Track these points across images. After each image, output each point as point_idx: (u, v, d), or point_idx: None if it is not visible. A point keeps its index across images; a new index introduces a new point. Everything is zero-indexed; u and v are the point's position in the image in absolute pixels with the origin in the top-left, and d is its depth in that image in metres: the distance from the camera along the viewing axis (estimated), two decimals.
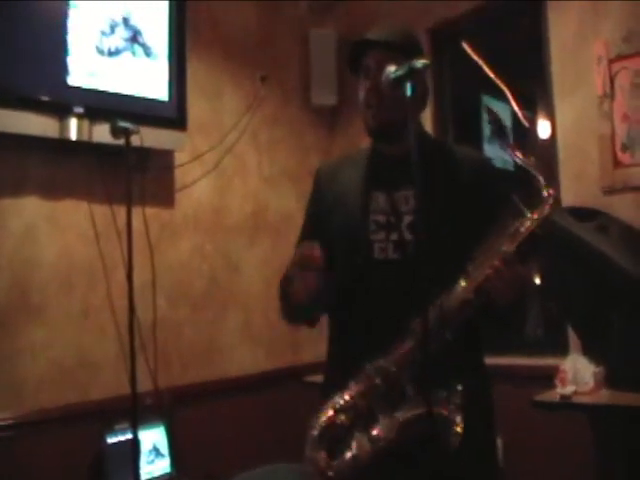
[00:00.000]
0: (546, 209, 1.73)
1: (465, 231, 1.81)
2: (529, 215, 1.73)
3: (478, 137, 4.47)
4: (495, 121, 1.83)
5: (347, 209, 1.94)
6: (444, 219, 1.82)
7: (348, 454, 1.68)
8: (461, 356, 1.77)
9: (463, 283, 1.71)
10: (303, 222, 2.14)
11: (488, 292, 1.69)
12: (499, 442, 3.45)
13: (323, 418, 1.73)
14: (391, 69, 1.69)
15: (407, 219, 1.87)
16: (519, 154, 1.80)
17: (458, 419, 1.64)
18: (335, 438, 1.72)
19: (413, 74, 1.63)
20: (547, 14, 3.59)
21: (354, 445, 1.68)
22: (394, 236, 1.87)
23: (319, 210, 2.05)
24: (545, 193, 1.73)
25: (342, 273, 1.90)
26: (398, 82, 1.67)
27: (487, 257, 1.70)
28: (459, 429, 1.64)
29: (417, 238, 1.81)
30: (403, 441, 1.65)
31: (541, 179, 1.75)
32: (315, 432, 1.73)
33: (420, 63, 1.63)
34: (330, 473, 1.69)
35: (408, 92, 1.62)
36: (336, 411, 1.72)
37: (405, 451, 1.66)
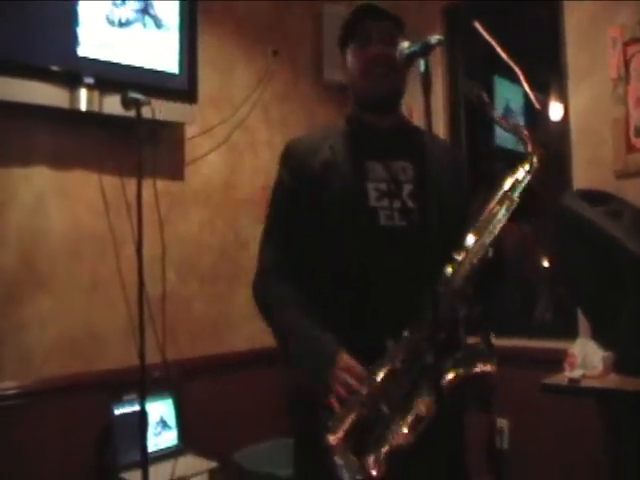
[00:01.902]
0: (535, 164, 1.79)
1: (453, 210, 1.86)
2: (521, 169, 1.80)
3: (490, 117, 4.44)
4: (476, 95, 1.84)
5: (342, 177, 1.89)
6: (439, 190, 1.82)
7: (385, 447, 1.64)
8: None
9: (472, 238, 1.76)
10: (274, 206, 2.04)
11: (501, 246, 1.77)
12: (505, 424, 3.49)
13: (346, 420, 1.68)
14: (405, 45, 1.68)
15: (407, 188, 1.89)
16: (502, 120, 1.86)
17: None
18: (360, 434, 1.67)
19: (427, 50, 1.62)
20: None
21: (390, 435, 1.64)
22: (397, 204, 1.87)
23: (300, 184, 1.95)
24: (530, 149, 1.80)
25: (345, 241, 1.86)
26: (411, 58, 1.66)
27: (492, 213, 1.78)
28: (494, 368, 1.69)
29: (422, 205, 1.84)
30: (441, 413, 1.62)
31: (527, 140, 1.81)
32: (337, 437, 1.67)
33: (434, 39, 1.62)
34: (375, 473, 1.63)
35: (422, 68, 1.61)
36: (360, 407, 1.68)
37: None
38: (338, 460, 1.65)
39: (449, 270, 1.72)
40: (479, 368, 1.69)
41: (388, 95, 1.95)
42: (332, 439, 1.66)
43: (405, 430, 1.63)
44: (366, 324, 1.80)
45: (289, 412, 1.83)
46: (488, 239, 1.75)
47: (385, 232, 1.86)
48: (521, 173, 1.80)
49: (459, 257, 1.74)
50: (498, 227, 1.76)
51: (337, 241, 1.86)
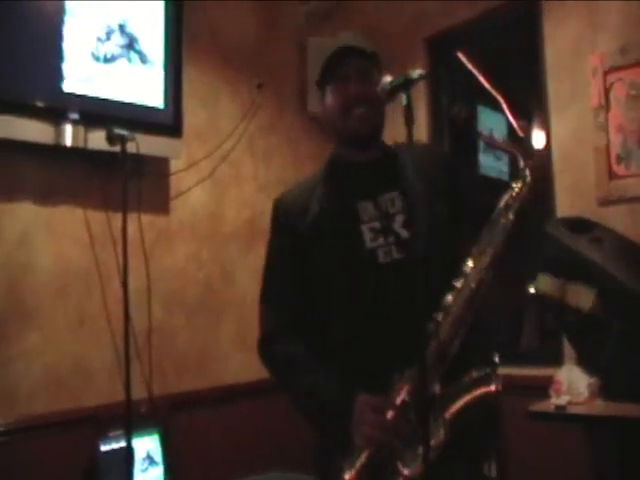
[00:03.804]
0: (529, 176, 1.84)
1: (450, 221, 1.91)
2: (514, 185, 1.84)
3: (473, 147, 4.48)
4: (465, 120, 1.88)
5: (336, 226, 1.94)
6: (431, 212, 1.87)
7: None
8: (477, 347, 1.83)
9: (471, 263, 1.78)
10: (269, 264, 2.07)
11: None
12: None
13: (356, 462, 1.71)
14: (387, 79, 1.71)
15: (399, 219, 1.91)
16: (492, 139, 1.87)
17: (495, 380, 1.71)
18: (375, 469, 1.71)
19: (409, 84, 1.64)
20: (543, 26, 3.60)
21: (403, 468, 1.67)
22: (391, 239, 1.89)
23: (293, 243, 1.99)
24: (523, 163, 1.84)
25: (349, 284, 1.90)
26: (394, 92, 1.68)
27: (489, 232, 1.81)
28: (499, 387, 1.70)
29: (412, 234, 1.85)
30: (451, 439, 1.65)
31: (517, 153, 1.86)
32: (349, 475, 1.71)
33: (416, 74, 1.65)
34: None
35: (404, 102, 1.64)
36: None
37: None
38: None
39: (449, 298, 1.75)
40: (482, 390, 1.70)
41: (367, 134, 1.98)
42: (346, 476, 1.70)
43: (417, 462, 1.65)
44: (375, 360, 1.82)
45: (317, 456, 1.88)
46: (485, 262, 1.77)
47: (385, 268, 1.88)
48: (515, 189, 1.84)
49: (458, 284, 1.77)
50: (495, 249, 1.78)
51: (341, 285, 1.91)
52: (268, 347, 2.00)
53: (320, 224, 1.95)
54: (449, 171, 2.03)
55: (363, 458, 1.70)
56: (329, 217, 1.95)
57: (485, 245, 1.79)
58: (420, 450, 1.62)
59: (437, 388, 1.68)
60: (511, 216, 1.80)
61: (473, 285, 1.75)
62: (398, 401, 1.70)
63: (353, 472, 1.70)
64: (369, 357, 1.83)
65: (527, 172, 1.83)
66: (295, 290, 1.97)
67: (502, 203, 1.83)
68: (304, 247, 1.95)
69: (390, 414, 1.69)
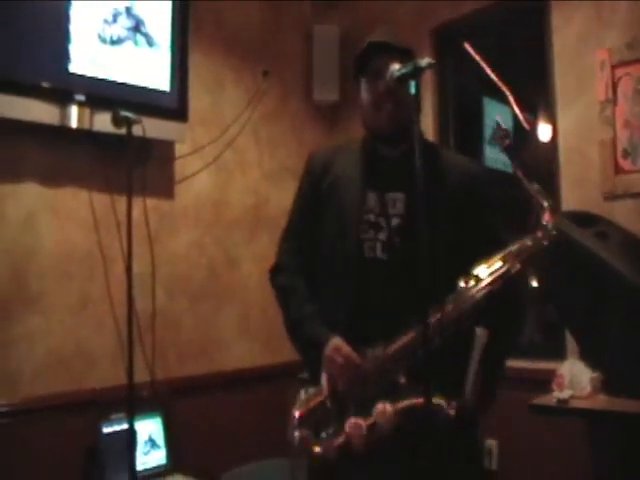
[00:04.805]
0: (549, 235, 1.82)
1: (453, 235, 1.89)
2: (533, 236, 1.83)
3: (479, 139, 4.47)
4: (504, 137, 1.83)
5: (342, 205, 1.99)
6: (433, 223, 1.85)
7: (339, 438, 1.74)
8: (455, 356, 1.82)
9: (463, 284, 1.78)
10: (293, 210, 2.17)
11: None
12: (494, 445, 3.47)
13: (310, 402, 1.84)
14: (396, 67, 1.73)
15: (395, 221, 1.93)
16: (525, 180, 1.85)
17: (452, 404, 1.69)
18: (320, 421, 1.81)
19: (418, 73, 1.65)
20: (551, 19, 3.58)
21: (348, 429, 1.72)
22: (382, 236, 1.93)
23: (312, 200, 2.08)
24: (546, 220, 1.82)
25: (331, 268, 1.98)
26: (402, 80, 1.69)
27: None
28: (452, 412, 1.68)
29: (406, 241, 1.88)
30: (399, 430, 1.68)
31: (547, 206, 1.83)
32: (299, 412, 1.84)
33: (425, 62, 1.66)
34: (317, 449, 1.77)
35: (412, 90, 1.65)
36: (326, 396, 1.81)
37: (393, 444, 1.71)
38: (294, 432, 1.83)
39: (435, 315, 1.74)
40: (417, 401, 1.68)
41: (395, 130, 1.97)
42: (296, 412, 1.84)
43: (361, 430, 1.71)
44: (353, 339, 1.85)
45: None
46: (479, 294, 1.77)
47: (367, 264, 1.93)
48: (534, 241, 1.82)
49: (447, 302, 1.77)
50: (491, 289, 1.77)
51: (331, 263, 1.98)
52: (274, 275, 2.13)
53: (331, 194, 2.02)
54: (472, 189, 2.01)
55: (315, 401, 1.83)
56: (339, 193, 2.01)
57: (481, 287, 1.79)
58: (367, 423, 1.70)
59: (402, 379, 1.73)
60: (518, 265, 1.79)
61: (464, 308, 1.76)
62: (363, 368, 1.77)
63: (303, 409, 1.84)
64: (347, 331, 1.88)
65: (550, 233, 1.82)
66: (309, 240, 2.06)
67: (515, 247, 1.82)
68: (319, 206, 2.04)
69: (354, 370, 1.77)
